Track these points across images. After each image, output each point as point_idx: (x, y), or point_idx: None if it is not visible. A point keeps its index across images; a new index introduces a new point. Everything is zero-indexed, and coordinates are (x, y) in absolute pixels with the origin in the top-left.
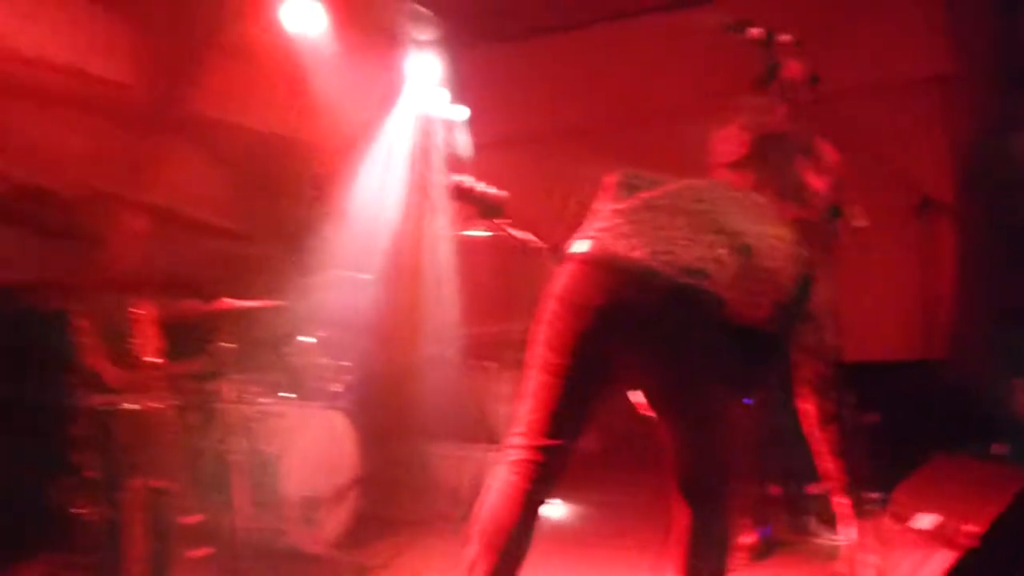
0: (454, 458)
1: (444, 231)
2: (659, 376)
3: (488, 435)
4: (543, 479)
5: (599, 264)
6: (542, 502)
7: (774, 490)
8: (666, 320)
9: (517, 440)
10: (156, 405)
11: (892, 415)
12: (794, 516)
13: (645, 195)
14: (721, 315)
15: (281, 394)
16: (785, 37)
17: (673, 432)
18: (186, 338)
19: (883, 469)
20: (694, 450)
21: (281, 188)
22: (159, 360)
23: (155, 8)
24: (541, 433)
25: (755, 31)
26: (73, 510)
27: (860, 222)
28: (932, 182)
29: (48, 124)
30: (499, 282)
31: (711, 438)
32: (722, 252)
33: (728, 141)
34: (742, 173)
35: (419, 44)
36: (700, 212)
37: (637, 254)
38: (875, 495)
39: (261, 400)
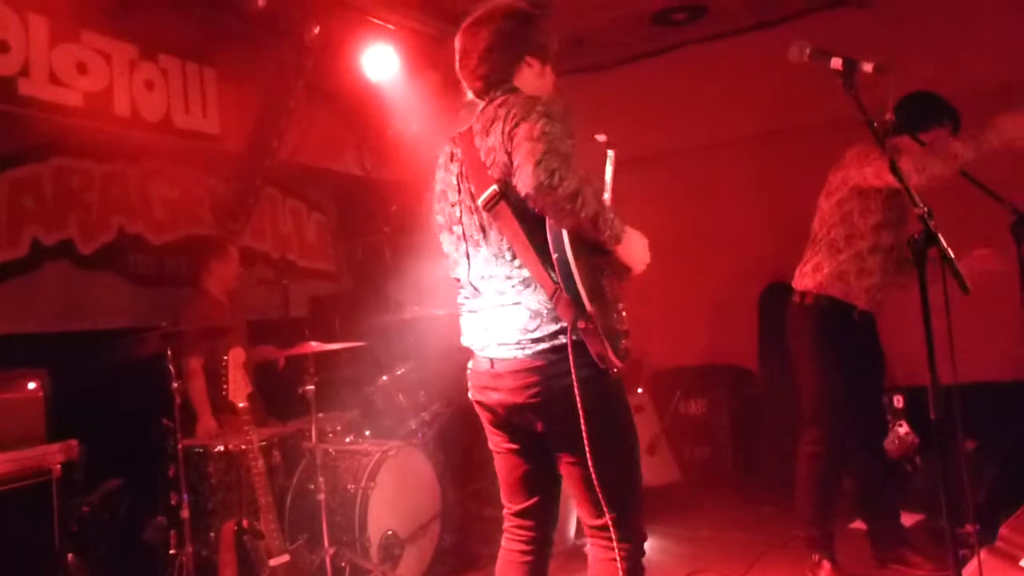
0: None
1: None
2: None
3: None
4: (532, 540)
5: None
6: (540, 557)
7: (860, 524)
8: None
9: (504, 511)
10: (245, 446)
11: (997, 440)
12: (886, 549)
13: None
14: None
15: (364, 432)
16: (867, 67)
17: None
18: (273, 380)
19: (989, 500)
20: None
21: (363, 228)
22: (248, 403)
23: (241, 61)
24: (513, 501)
25: (836, 61)
26: (169, 550)
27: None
28: None
29: (153, 179)
30: None
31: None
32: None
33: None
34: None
35: None
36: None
37: None
38: (978, 529)
39: (345, 439)
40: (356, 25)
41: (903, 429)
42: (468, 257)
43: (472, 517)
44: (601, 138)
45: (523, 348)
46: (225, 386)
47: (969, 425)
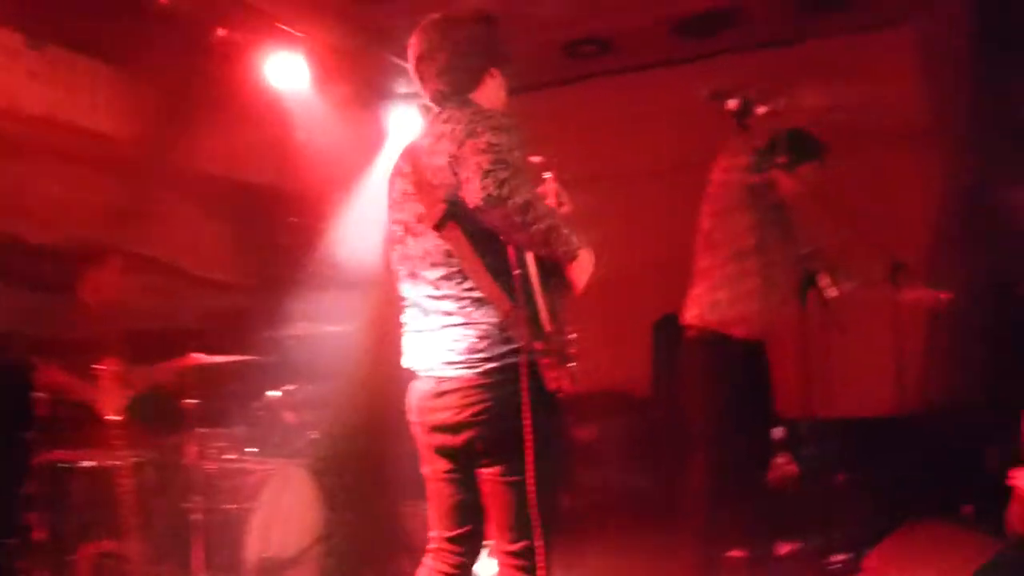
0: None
1: None
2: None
3: None
4: (460, 565)
5: None
6: None
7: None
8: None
9: (432, 533)
10: (115, 463)
11: (865, 473)
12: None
13: None
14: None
15: (247, 450)
16: (760, 109)
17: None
18: (152, 394)
19: (855, 530)
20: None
21: (261, 239)
22: (120, 416)
23: (145, 63)
24: (447, 528)
25: (732, 102)
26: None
27: (831, 292)
28: (907, 238)
29: (34, 176)
30: None
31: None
32: None
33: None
34: None
35: (400, 98)
36: None
37: None
38: (846, 557)
39: (225, 456)
40: (266, 31)
41: (782, 459)
42: (415, 276)
43: (360, 541)
44: (536, 159)
45: (471, 367)
46: (96, 398)
47: (843, 458)
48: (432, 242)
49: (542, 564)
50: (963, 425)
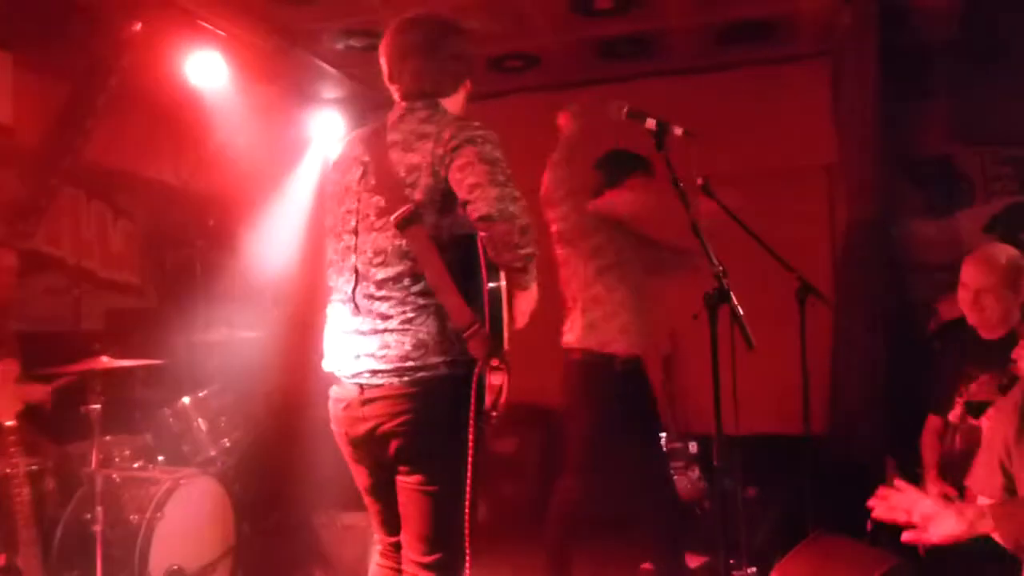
0: (336, 527)
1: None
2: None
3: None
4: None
5: None
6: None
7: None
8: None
9: (378, 538)
10: (10, 471)
11: (772, 489)
12: None
13: None
14: None
15: (157, 459)
16: (677, 130)
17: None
18: (53, 399)
19: (762, 544)
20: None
21: (174, 240)
22: (14, 422)
23: (48, 52)
24: (388, 533)
25: (650, 121)
26: None
27: (739, 310)
28: (813, 266)
29: None
30: None
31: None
32: None
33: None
34: None
35: (324, 102)
36: None
37: None
38: (752, 571)
39: (132, 465)
40: (183, 27)
41: (694, 474)
42: (356, 272)
43: (272, 552)
44: None
45: (400, 376)
46: None
47: (751, 473)
48: (387, 240)
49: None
50: (866, 443)
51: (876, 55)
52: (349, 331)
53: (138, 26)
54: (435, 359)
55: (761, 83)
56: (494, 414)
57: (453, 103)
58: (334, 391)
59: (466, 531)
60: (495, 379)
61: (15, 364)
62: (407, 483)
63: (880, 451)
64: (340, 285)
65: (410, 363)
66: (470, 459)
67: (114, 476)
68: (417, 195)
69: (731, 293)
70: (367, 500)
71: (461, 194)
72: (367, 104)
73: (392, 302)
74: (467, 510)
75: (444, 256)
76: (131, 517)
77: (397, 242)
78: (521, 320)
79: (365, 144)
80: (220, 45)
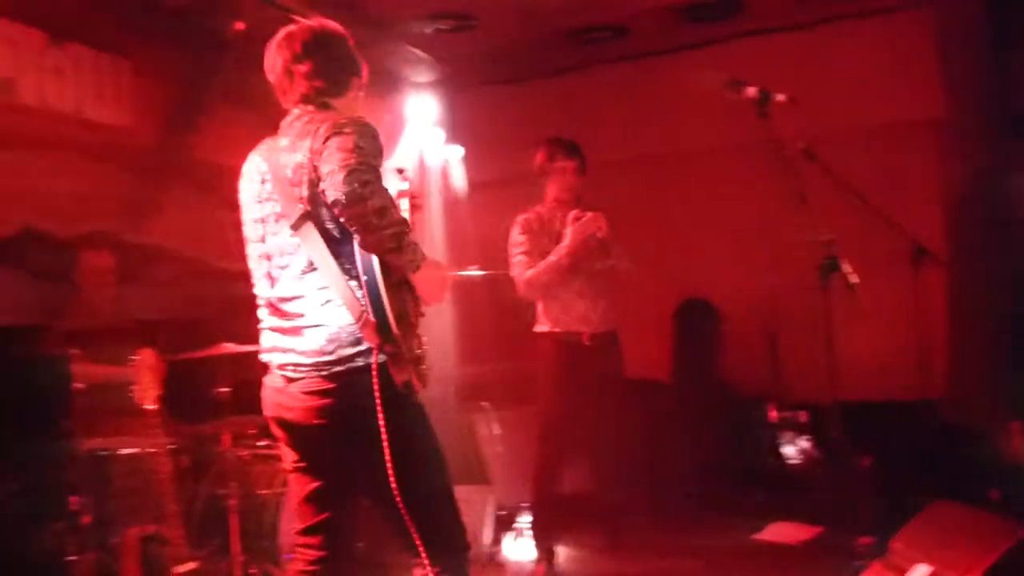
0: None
1: None
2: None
3: (481, 476)
4: (318, 560)
5: None
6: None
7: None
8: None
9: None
10: (153, 450)
11: (888, 457)
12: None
13: None
14: None
15: None
16: (780, 97)
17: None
18: (185, 383)
19: (880, 514)
20: None
21: None
22: (156, 405)
23: (159, 55)
24: (301, 520)
25: (751, 90)
26: (66, 557)
27: (853, 278)
28: (925, 225)
29: (47, 168)
30: (494, 321)
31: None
32: None
33: None
34: None
35: (416, 86)
36: None
37: None
38: (868, 542)
39: (258, 443)
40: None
41: (805, 444)
42: (270, 276)
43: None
44: (401, 170)
45: (319, 370)
46: (132, 387)
47: (865, 442)
48: (287, 241)
49: (425, 564)
50: (988, 408)
51: (984, 1)
52: (275, 330)
53: (240, 26)
54: (349, 351)
55: (859, 37)
56: (415, 397)
57: (346, 103)
58: (267, 379)
59: (407, 515)
60: (394, 366)
61: (152, 353)
62: (359, 477)
63: (1002, 415)
64: (261, 291)
65: (326, 357)
66: (386, 446)
67: (243, 454)
68: (304, 192)
69: (842, 262)
70: (290, 483)
71: (321, 184)
72: (457, 85)
73: (302, 300)
74: (408, 494)
75: (334, 249)
76: (260, 492)
77: (295, 243)
78: (432, 298)
79: (262, 155)
80: None
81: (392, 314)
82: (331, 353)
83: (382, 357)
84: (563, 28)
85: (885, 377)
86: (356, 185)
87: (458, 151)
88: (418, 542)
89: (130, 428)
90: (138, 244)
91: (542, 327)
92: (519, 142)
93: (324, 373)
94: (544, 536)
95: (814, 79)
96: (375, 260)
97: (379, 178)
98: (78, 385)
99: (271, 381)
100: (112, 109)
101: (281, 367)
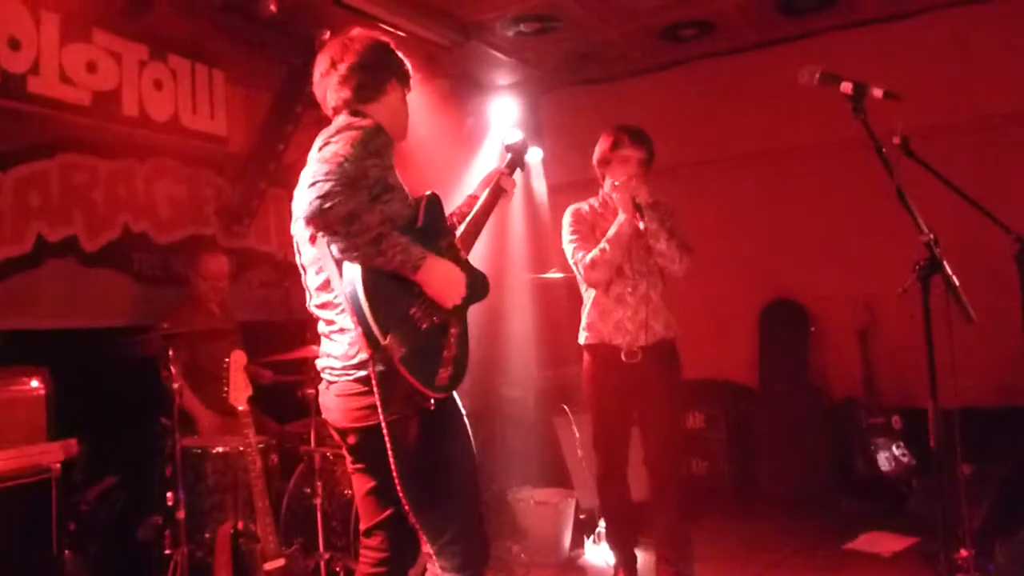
0: (530, 503)
1: (521, 272)
2: None
3: (562, 479)
4: (382, 561)
5: None
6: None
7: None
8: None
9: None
10: (244, 448)
11: (991, 465)
12: None
13: None
14: None
15: None
16: (877, 92)
17: None
18: (274, 384)
19: (984, 526)
20: None
21: None
22: (247, 406)
23: (251, 66)
24: (363, 521)
25: (846, 85)
26: (163, 550)
27: (955, 280)
28: None
29: (147, 175)
30: (574, 324)
31: None
32: None
33: None
34: None
35: (499, 89)
36: None
37: None
38: (969, 554)
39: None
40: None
41: (899, 450)
42: (307, 287)
43: None
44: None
45: (347, 373)
46: (226, 389)
47: (966, 450)
48: (312, 254)
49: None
50: None
51: None
52: (320, 334)
53: (327, 35)
54: (365, 355)
55: (960, 25)
56: (430, 404)
57: (385, 109)
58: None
59: (422, 530)
60: (392, 379)
61: (243, 354)
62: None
63: None
64: (307, 301)
65: (351, 361)
66: (389, 448)
67: (328, 454)
68: None
69: (944, 263)
70: (352, 479)
71: None
72: (540, 87)
73: (329, 308)
74: (413, 502)
75: (337, 260)
76: (345, 491)
77: (316, 254)
78: (444, 299)
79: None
80: (401, 45)
81: (376, 323)
82: (354, 357)
83: (380, 366)
84: (647, 27)
85: (988, 382)
86: (314, 198)
87: (538, 153)
88: (430, 549)
89: (223, 427)
90: (232, 248)
91: (583, 336)
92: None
93: (351, 377)
94: (618, 543)
95: (913, 69)
96: (357, 268)
97: (350, 184)
98: (176, 385)
99: (321, 385)
100: (207, 117)
101: (321, 371)
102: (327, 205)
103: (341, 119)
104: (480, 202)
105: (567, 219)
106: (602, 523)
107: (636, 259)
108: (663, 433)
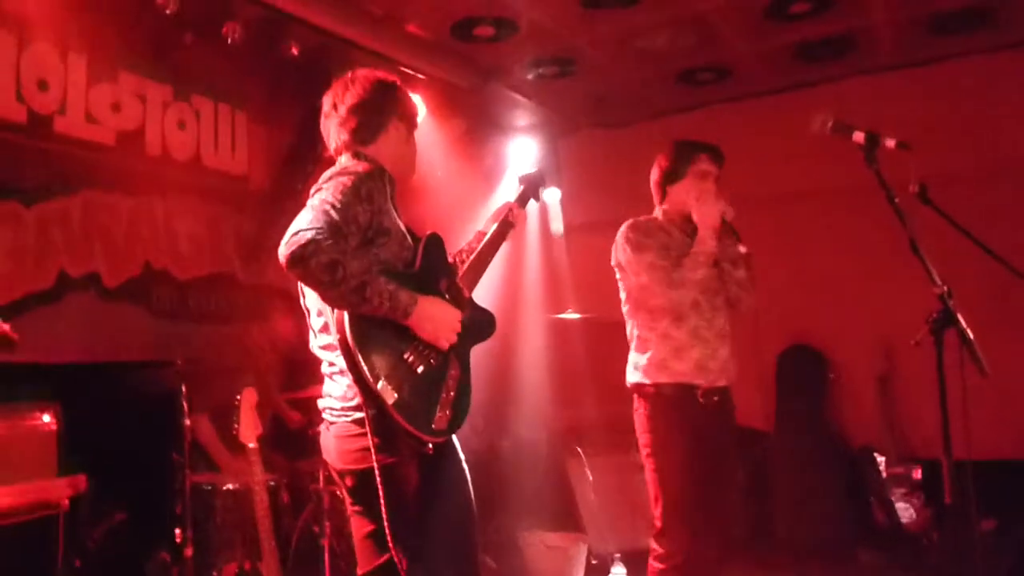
0: (540, 546)
1: (536, 312)
2: None
3: (574, 523)
4: None
5: None
6: None
7: None
8: None
9: None
10: (253, 486)
11: (1014, 519)
12: None
13: None
14: None
15: None
16: (890, 142)
17: None
18: (282, 421)
19: None
20: None
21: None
22: (256, 444)
23: (273, 106)
24: (360, 566)
25: (858, 135)
26: None
27: (969, 334)
28: None
29: (168, 212)
30: (589, 366)
31: None
32: None
33: None
34: None
35: (517, 130)
36: None
37: None
38: None
39: None
40: (388, 73)
41: (919, 502)
42: (312, 328)
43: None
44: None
45: (346, 415)
46: (236, 426)
47: (988, 503)
48: (312, 295)
49: None
50: None
51: None
52: (323, 374)
53: (349, 75)
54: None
55: (978, 74)
56: (428, 450)
57: (387, 149)
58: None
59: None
60: (384, 425)
61: (254, 393)
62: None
63: None
64: (309, 342)
65: (349, 403)
66: (381, 493)
67: (338, 492)
68: None
69: (958, 315)
70: (351, 521)
71: None
72: (558, 129)
73: (330, 350)
74: (402, 550)
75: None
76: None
77: (314, 296)
78: (437, 341)
79: None
80: (420, 87)
81: (368, 370)
82: (352, 399)
83: (373, 410)
84: (664, 71)
85: (1009, 434)
86: (295, 246)
87: (555, 193)
88: None
89: (234, 464)
90: (251, 284)
91: (641, 378)
92: (618, 185)
93: (349, 418)
94: None
95: (929, 117)
96: (345, 316)
97: (333, 231)
98: (188, 421)
99: (322, 426)
100: (228, 156)
101: (322, 411)
102: (308, 253)
103: (342, 160)
104: (487, 237)
105: (632, 233)
106: (618, 569)
107: (710, 289)
108: (735, 487)
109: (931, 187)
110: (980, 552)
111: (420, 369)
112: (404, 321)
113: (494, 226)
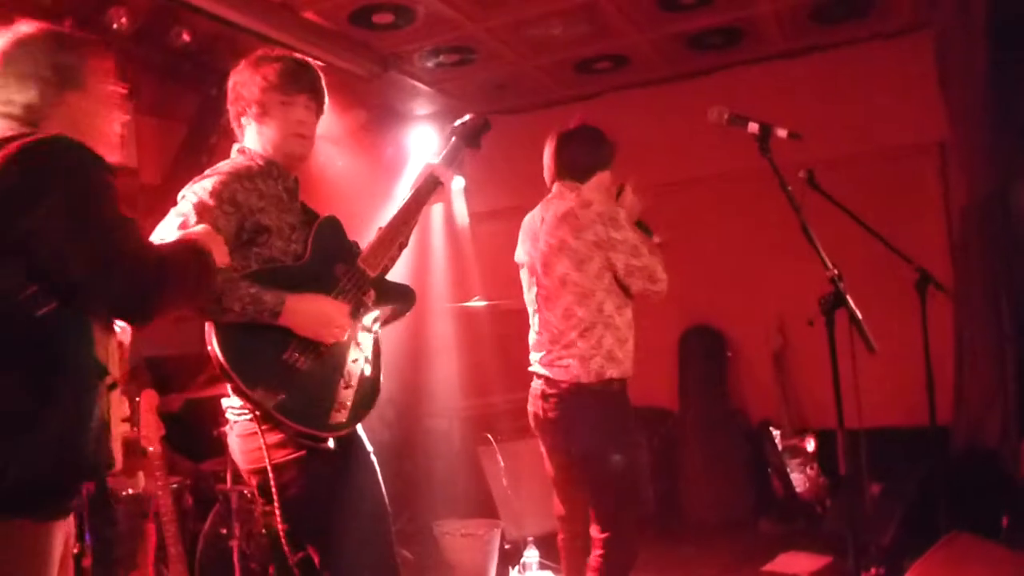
0: (456, 535)
1: (442, 301)
2: None
3: (490, 510)
4: None
5: None
6: None
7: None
8: None
9: None
10: (156, 491)
11: (898, 484)
12: None
13: None
14: None
15: None
16: (781, 132)
17: None
18: (188, 423)
19: (890, 543)
20: None
21: None
22: (158, 447)
23: (164, 97)
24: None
25: (752, 126)
26: None
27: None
28: (931, 250)
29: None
30: (496, 354)
31: None
32: None
33: None
34: None
35: (418, 119)
36: None
37: None
38: (880, 571)
39: None
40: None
41: (813, 471)
42: None
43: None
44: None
45: (244, 412)
46: (136, 429)
47: (875, 468)
48: None
49: None
50: (995, 432)
51: (984, 21)
52: None
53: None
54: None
55: (859, 62)
56: (323, 446)
57: (263, 133)
58: None
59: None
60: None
61: (154, 394)
62: None
63: (1010, 440)
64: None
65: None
66: (275, 495)
67: (246, 492)
68: None
69: (847, 296)
70: None
71: None
72: (459, 117)
73: None
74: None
75: None
76: (263, 531)
77: None
78: (319, 336)
79: None
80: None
81: (239, 375)
82: (239, 408)
83: (259, 413)
84: (562, 60)
85: (896, 404)
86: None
87: (459, 182)
88: None
89: (133, 468)
90: None
91: (602, 368)
92: (521, 172)
93: (247, 416)
94: None
95: (815, 103)
96: (210, 327)
97: (170, 231)
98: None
99: (227, 426)
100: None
101: (225, 411)
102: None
103: (232, 151)
104: (403, 203)
105: (621, 215)
106: (530, 553)
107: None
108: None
109: (817, 172)
110: (868, 515)
111: (304, 367)
112: (274, 322)
113: (410, 192)
